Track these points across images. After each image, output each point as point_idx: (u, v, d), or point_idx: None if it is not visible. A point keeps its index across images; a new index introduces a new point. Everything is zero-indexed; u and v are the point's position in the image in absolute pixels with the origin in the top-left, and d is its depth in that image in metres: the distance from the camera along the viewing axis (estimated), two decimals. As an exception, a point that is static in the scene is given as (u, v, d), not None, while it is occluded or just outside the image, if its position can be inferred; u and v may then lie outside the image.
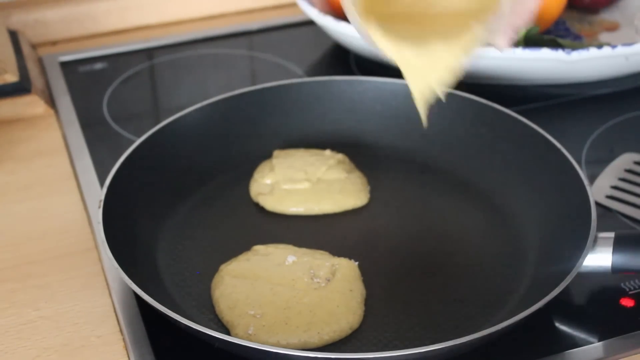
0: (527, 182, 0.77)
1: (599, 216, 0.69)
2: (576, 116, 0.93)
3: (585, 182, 0.72)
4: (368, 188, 0.81)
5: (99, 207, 0.70)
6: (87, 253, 0.75)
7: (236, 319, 0.66)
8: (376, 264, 0.72)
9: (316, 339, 0.65)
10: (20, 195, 0.82)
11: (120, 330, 0.67)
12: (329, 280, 0.69)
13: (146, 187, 0.77)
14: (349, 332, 0.66)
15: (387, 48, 0.62)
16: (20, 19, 1.06)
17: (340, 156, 0.83)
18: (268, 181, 0.80)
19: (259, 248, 0.73)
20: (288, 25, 1.12)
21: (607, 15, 1.10)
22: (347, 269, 0.70)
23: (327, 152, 0.83)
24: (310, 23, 1.05)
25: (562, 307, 0.68)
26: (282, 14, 1.14)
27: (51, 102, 0.96)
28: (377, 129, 0.85)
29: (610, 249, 0.66)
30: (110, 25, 1.10)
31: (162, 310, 0.61)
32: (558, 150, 0.75)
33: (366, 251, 0.73)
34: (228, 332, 0.66)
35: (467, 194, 0.80)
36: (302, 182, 0.79)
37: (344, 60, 1.04)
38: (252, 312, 0.66)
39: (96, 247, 0.75)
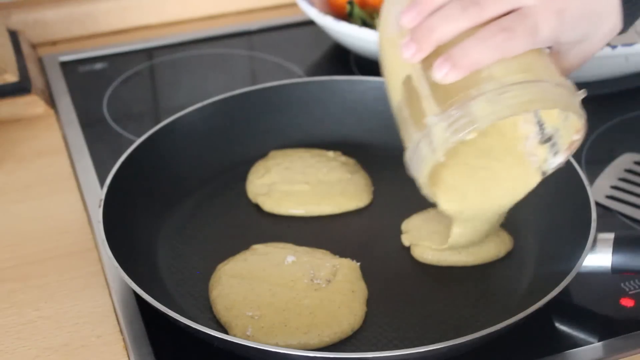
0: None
1: (599, 216, 0.69)
2: (576, 116, 0.93)
3: (585, 182, 0.72)
4: (372, 189, 0.81)
5: (99, 207, 0.70)
6: (87, 253, 0.75)
7: (234, 320, 0.66)
8: (377, 264, 0.72)
9: (316, 340, 0.64)
10: (20, 195, 0.82)
11: (120, 330, 0.67)
12: (329, 281, 0.69)
13: (146, 186, 0.76)
14: (350, 333, 0.66)
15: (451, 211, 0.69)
16: (20, 19, 1.06)
17: (344, 158, 0.83)
18: (264, 182, 0.80)
19: (257, 247, 0.73)
20: (288, 25, 1.12)
21: (607, 16, 1.10)
22: (348, 270, 0.70)
23: (331, 153, 0.83)
24: (310, 23, 1.05)
25: (562, 307, 0.68)
26: (282, 14, 1.14)
27: (51, 102, 0.96)
28: (377, 129, 0.85)
29: (610, 250, 0.66)
30: (110, 25, 1.10)
31: (162, 310, 0.61)
32: (558, 150, 0.75)
33: (367, 251, 0.73)
34: (228, 332, 0.66)
35: (467, 194, 0.80)
36: (301, 184, 0.79)
37: (344, 60, 1.04)
38: (250, 314, 0.66)
39: (96, 247, 0.75)
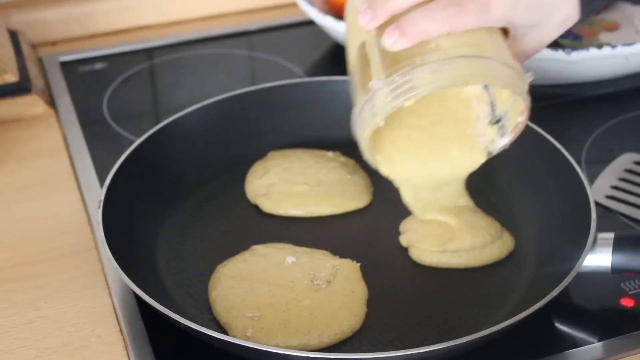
0: (526, 182, 0.77)
1: (599, 216, 0.69)
2: (576, 116, 0.93)
3: (585, 182, 0.72)
4: (371, 189, 0.80)
5: (99, 207, 0.70)
6: (87, 253, 0.75)
7: (233, 321, 0.66)
8: (377, 264, 0.72)
9: (317, 341, 0.64)
10: (20, 195, 0.82)
11: (120, 330, 0.67)
12: (329, 282, 0.69)
13: (146, 187, 0.77)
14: (350, 333, 0.66)
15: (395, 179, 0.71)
16: (20, 19, 1.06)
17: (343, 158, 0.83)
18: (263, 183, 0.80)
19: (257, 248, 0.73)
20: (288, 25, 1.12)
21: (607, 15, 1.10)
22: (348, 270, 0.70)
23: (330, 153, 0.83)
24: (310, 23, 1.05)
25: (562, 307, 0.68)
26: (282, 14, 1.14)
27: (51, 102, 0.96)
28: (377, 129, 0.85)
29: (610, 250, 0.66)
30: (110, 25, 1.10)
31: (162, 311, 0.61)
32: (558, 150, 0.75)
33: (367, 252, 0.73)
34: (228, 333, 0.66)
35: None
36: (300, 184, 0.79)
37: (344, 60, 1.04)
38: (250, 315, 0.66)
39: (96, 247, 0.75)
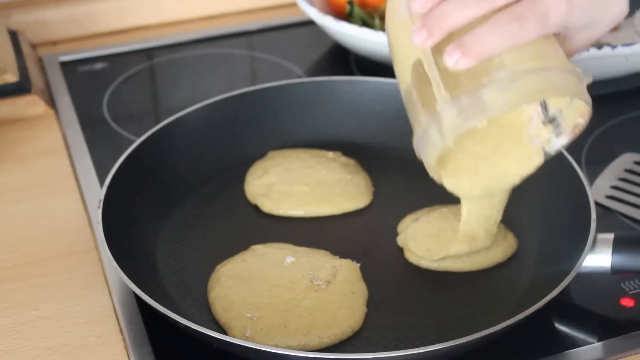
0: (526, 182, 0.77)
1: (599, 216, 0.69)
2: (576, 116, 0.92)
3: (585, 182, 0.72)
4: (372, 190, 0.80)
5: (99, 207, 0.70)
6: (87, 253, 0.75)
7: (232, 321, 0.66)
8: (377, 264, 0.72)
9: (316, 341, 0.64)
10: (20, 195, 0.82)
11: (120, 330, 0.67)
12: (329, 282, 0.69)
13: (146, 187, 0.77)
14: (350, 334, 0.66)
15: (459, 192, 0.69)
16: (20, 19, 1.06)
17: (344, 159, 0.83)
18: (263, 183, 0.80)
19: (256, 248, 0.73)
20: (288, 25, 1.12)
21: (607, 15, 1.10)
22: (348, 271, 0.70)
23: (331, 153, 0.83)
24: (310, 23, 1.05)
25: (562, 307, 0.68)
26: (282, 14, 1.14)
27: (51, 102, 0.96)
28: (376, 129, 0.85)
29: (610, 250, 0.66)
30: (110, 25, 1.10)
31: (161, 311, 0.61)
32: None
33: (367, 252, 0.73)
34: (227, 333, 0.66)
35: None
36: (300, 185, 0.79)
37: (344, 60, 1.04)
38: (249, 315, 0.66)
39: (96, 247, 0.75)
